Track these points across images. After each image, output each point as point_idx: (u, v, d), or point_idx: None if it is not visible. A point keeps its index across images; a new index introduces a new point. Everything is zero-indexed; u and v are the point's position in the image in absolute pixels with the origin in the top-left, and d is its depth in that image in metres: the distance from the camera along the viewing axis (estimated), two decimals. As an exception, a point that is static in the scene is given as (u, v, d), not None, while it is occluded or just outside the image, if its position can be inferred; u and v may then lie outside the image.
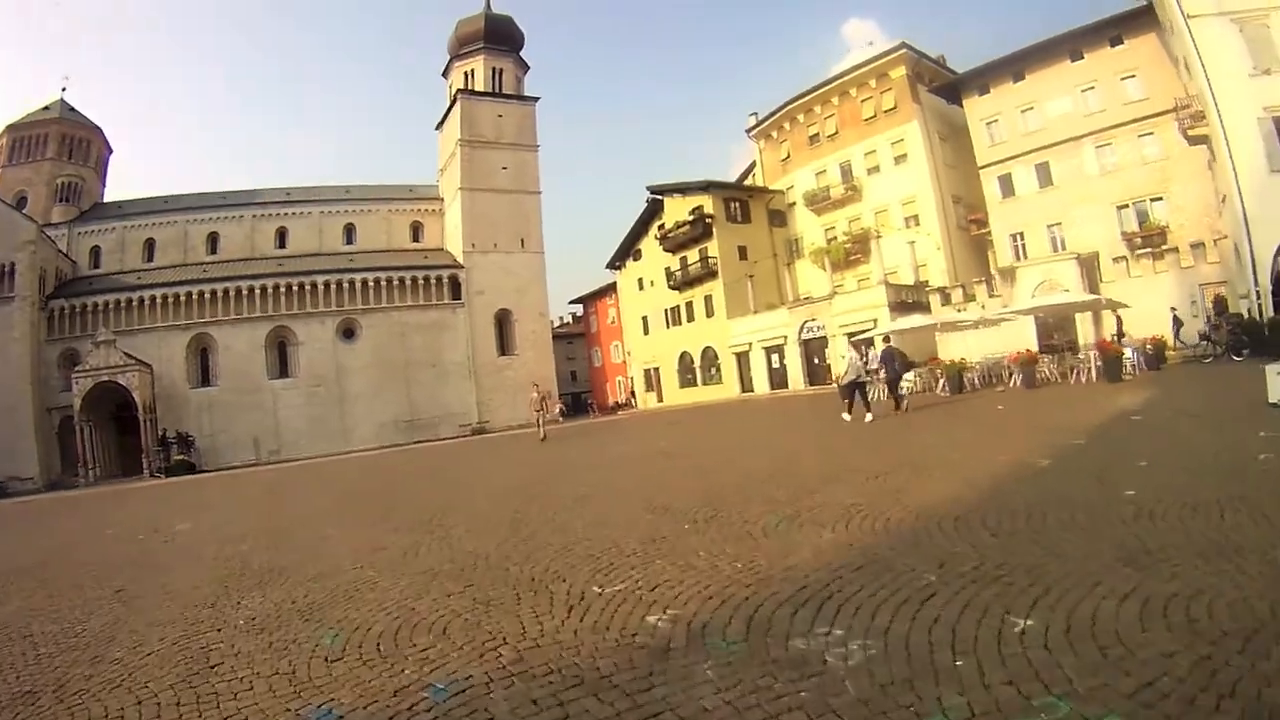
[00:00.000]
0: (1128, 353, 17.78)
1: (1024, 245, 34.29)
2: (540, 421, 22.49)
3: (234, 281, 45.53)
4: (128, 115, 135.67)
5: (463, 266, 49.45)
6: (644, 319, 49.36)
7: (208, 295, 45.09)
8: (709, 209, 43.02)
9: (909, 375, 19.80)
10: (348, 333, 47.27)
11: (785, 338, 38.07)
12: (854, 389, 13.67)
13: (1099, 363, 17.11)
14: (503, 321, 50.86)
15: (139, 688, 3.35)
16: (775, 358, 39.09)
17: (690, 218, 43.68)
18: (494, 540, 6.02)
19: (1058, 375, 19.12)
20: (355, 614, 4.17)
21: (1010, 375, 19.74)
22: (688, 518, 5.90)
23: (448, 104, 53.32)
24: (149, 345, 43.76)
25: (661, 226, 45.97)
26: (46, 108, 52.31)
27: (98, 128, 53.63)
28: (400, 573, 5.17)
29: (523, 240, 51.31)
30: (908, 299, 33.53)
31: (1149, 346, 18.96)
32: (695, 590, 3.78)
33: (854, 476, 7.15)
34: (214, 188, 53.13)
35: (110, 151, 55.20)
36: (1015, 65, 34.45)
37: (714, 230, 42.89)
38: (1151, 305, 24.31)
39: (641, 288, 49.26)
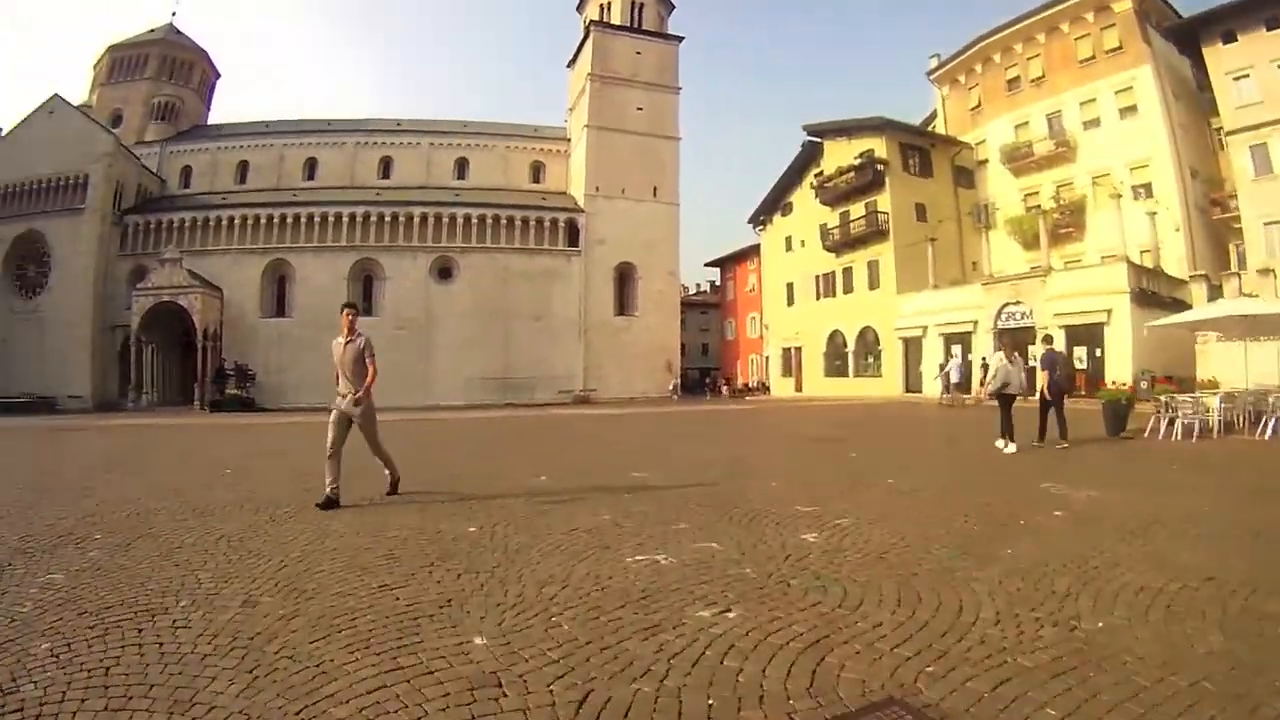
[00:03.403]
0: None
1: (1284, 239, 25.82)
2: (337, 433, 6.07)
3: (320, 207, 40.38)
4: (243, 40, 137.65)
5: (583, 211, 42.76)
6: (789, 286, 40.95)
7: (290, 219, 40.02)
8: (881, 153, 35.01)
9: (1213, 402, 12.35)
10: (444, 273, 41.02)
11: (975, 324, 28.92)
12: (1008, 404, 10.26)
13: None
14: (624, 277, 43.72)
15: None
16: (958, 349, 29.83)
17: (857, 162, 35.82)
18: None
19: None
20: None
21: None
22: None
23: (580, 38, 47.73)
24: (222, 268, 39.23)
25: (819, 174, 38.14)
26: (152, 30, 50.23)
27: (203, 51, 51.05)
28: None
29: (655, 189, 44.28)
30: (1148, 286, 24.62)
31: None
32: None
33: None
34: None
35: (218, 75, 52.73)
36: (1272, 8, 26.57)
37: (886, 180, 34.54)
38: None
39: (789, 248, 40.99)
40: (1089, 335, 24.20)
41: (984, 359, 28.77)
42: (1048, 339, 14.60)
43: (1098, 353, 23.95)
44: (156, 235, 40.24)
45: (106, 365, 38.64)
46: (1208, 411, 12.09)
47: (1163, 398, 12.25)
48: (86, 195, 39.08)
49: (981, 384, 27.38)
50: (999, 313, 28.29)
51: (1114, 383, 16.25)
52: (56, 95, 40.60)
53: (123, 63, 48.53)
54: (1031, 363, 11.91)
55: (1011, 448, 9.79)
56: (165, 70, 48.38)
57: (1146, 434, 11.65)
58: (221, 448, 13.11)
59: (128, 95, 47.46)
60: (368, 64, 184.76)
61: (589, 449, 12.00)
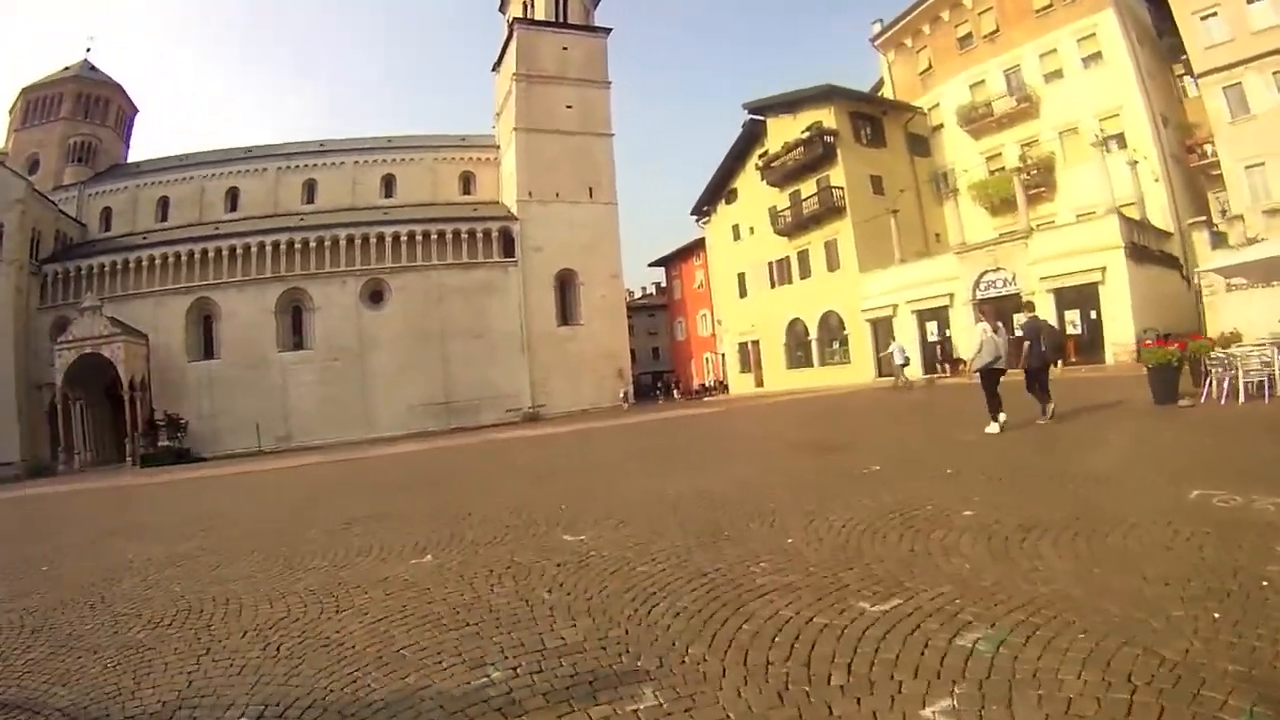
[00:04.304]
0: None
1: (1265, 180, 24.96)
2: None
3: (242, 238, 38.32)
4: (160, 74, 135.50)
5: (517, 219, 40.71)
6: (740, 277, 38.74)
7: (211, 254, 38.00)
8: (830, 124, 32.43)
9: (1274, 354, 10.81)
10: (374, 296, 39.01)
11: (951, 296, 26.79)
12: (995, 379, 9.52)
13: None
14: (566, 284, 41.72)
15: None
16: (934, 326, 27.88)
17: (805, 136, 33.19)
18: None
19: None
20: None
21: None
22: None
23: (504, 39, 45.40)
24: (146, 312, 37.36)
25: (764, 155, 35.65)
26: (66, 68, 48.07)
27: (118, 86, 48.84)
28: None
29: (591, 189, 42.25)
30: (1138, 240, 22.83)
31: None
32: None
33: None
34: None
35: (135, 111, 50.58)
36: (1234, -62, 25.07)
37: (838, 152, 32.15)
38: None
39: (737, 237, 38.75)
40: (1081, 297, 22.59)
41: (941, 336, 26.85)
42: (1029, 306, 13.98)
43: (1093, 315, 22.43)
44: (77, 283, 38.23)
45: (36, 427, 36.66)
46: (1269, 366, 10.76)
47: (1217, 354, 10.99)
48: (1, 246, 36.99)
49: (947, 361, 25.52)
50: (977, 282, 26.16)
51: (1116, 345, 14.35)
52: (-39, 145, 38.64)
53: (37, 105, 46.47)
54: (1018, 332, 11.34)
55: (994, 428, 9.23)
56: (80, 109, 46.31)
57: (1204, 399, 10.29)
58: (96, 521, 11.29)
59: (43, 139, 45.45)
60: (290, 86, 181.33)
61: (513, 490, 9.19)
